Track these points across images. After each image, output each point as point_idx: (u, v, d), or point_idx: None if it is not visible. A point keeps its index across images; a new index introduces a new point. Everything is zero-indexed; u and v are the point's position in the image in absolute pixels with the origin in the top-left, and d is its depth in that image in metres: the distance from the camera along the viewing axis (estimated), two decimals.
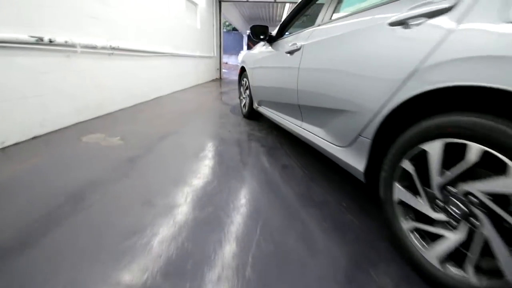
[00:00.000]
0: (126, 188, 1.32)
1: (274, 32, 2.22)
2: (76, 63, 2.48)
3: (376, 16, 1.02)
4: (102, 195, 1.23)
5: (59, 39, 2.21)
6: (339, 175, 1.55)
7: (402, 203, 0.88)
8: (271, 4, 11.57)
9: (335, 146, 1.25)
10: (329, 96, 1.25)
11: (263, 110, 2.40)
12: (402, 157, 0.86)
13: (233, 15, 13.43)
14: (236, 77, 9.65)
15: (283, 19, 2.13)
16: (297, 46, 1.58)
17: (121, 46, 3.08)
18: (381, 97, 0.91)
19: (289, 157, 1.82)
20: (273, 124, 2.65)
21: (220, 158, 1.77)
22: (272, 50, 2.13)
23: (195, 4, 6.23)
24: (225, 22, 16.88)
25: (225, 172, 1.55)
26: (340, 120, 1.19)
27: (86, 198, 1.20)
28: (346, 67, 1.11)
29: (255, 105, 2.62)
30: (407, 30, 0.85)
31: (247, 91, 2.86)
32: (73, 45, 2.37)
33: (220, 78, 8.65)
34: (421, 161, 0.80)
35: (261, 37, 2.18)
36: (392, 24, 0.90)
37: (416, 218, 0.86)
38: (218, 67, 8.59)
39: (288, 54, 1.71)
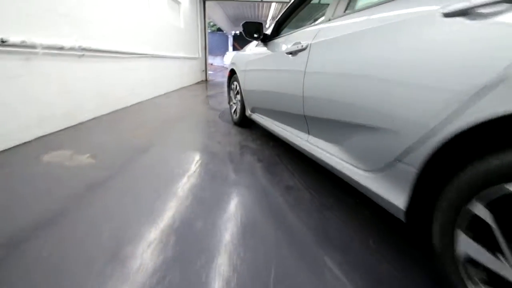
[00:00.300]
0: (83, 232, 1.01)
1: (269, 31, 1.96)
2: (39, 67, 2.12)
3: (421, 6, 0.78)
4: (41, 246, 0.92)
5: (14, 38, 1.85)
6: (359, 199, 1.30)
7: (470, 260, 0.64)
8: (257, 3, 11.35)
9: (357, 170, 1.00)
10: (351, 108, 1.00)
11: (258, 118, 2.14)
12: (472, 198, 0.62)
13: (218, 15, 13.11)
14: (222, 79, 9.35)
15: (279, 16, 1.88)
16: (301, 46, 1.32)
17: (94, 46, 2.72)
18: (438, 114, 0.67)
19: (292, 175, 1.57)
20: (268, 133, 2.39)
21: (210, 181, 1.49)
22: (268, 50, 1.87)
23: (178, 3, 5.89)
24: (209, 22, 16.52)
25: (216, 202, 1.27)
26: (366, 138, 0.95)
27: (17, 252, 0.89)
28: (378, 71, 0.86)
29: (248, 112, 2.35)
30: (477, 23, 0.61)
31: (238, 96, 2.59)
32: (32, 46, 2.02)
33: (206, 80, 8.32)
34: (504, 206, 0.56)
35: (255, 35, 1.91)
36: (450, 14, 0.66)
37: (492, 283, 0.62)
38: (204, 68, 8.26)
39: (290, 55, 1.46)
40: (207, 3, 7.93)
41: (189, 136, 2.35)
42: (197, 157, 1.83)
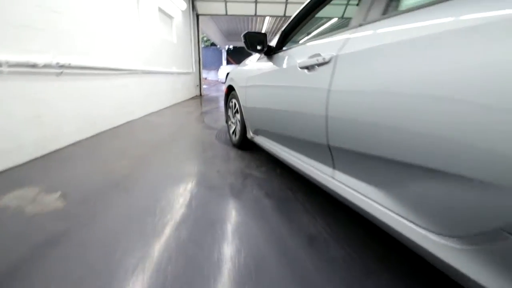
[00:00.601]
0: None
1: (273, 42, 1.70)
2: (5, 88, 1.81)
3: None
4: None
5: None
6: (410, 254, 0.99)
7: None
8: (250, 18, 11.36)
9: (424, 232, 0.70)
10: (409, 143, 0.71)
11: (262, 141, 1.84)
12: None
13: (211, 30, 13.09)
14: (217, 94, 9.12)
15: (284, 26, 1.62)
16: (323, 59, 1.04)
17: (75, 63, 2.43)
18: None
19: (313, 219, 1.25)
20: (272, 157, 2.09)
21: (208, 233, 1.16)
22: (273, 65, 1.60)
23: (171, 17, 5.70)
24: (203, 37, 16.55)
25: (217, 268, 0.95)
26: (441, 190, 0.65)
27: None
28: (457, 90, 0.58)
29: (250, 134, 2.06)
30: None
31: (237, 115, 2.30)
32: None
33: (201, 95, 8.07)
34: None
35: (258, 48, 1.64)
36: None
37: None
38: (198, 83, 8.03)
39: (305, 70, 1.18)
40: (200, 17, 7.81)
41: (182, 164, 2.03)
42: (191, 195, 1.50)
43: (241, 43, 21.94)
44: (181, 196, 1.47)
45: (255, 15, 7.66)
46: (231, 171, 1.86)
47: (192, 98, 7.27)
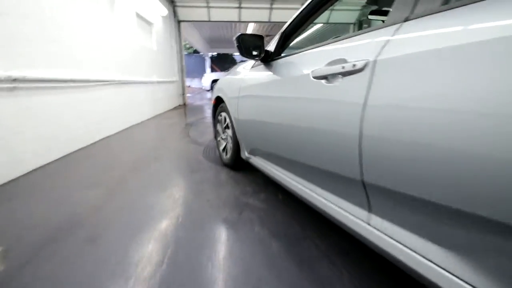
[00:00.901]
0: None
1: (270, 47, 1.43)
2: None
3: None
4: None
5: None
6: None
7: None
8: (233, 24, 11.17)
9: None
10: (490, 190, 0.45)
11: (262, 165, 1.54)
12: None
13: (193, 37, 12.78)
14: (201, 102, 8.73)
15: (283, 28, 1.36)
16: (352, 66, 0.78)
17: (34, 76, 2.06)
18: None
19: (330, 263, 0.97)
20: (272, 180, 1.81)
21: None
22: (273, 74, 1.32)
23: (150, 24, 5.35)
24: (185, 44, 16.22)
25: None
26: None
27: None
28: None
29: (245, 154, 1.76)
30: None
31: (228, 131, 2.01)
32: None
33: (185, 104, 7.69)
34: None
35: (254, 53, 1.37)
36: None
37: None
38: (182, 92, 7.66)
39: (323, 81, 0.91)
40: (182, 24, 7.49)
41: (165, 193, 1.70)
42: (176, 243, 1.18)
43: (225, 50, 21.60)
44: (162, 245, 1.15)
45: (239, 21, 7.45)
46: (224, 201, 1.55)
47: (176, 107, 6.89)
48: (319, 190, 1.03)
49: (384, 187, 0.72)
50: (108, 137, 3.21)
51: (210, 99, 9.54)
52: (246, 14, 7.26)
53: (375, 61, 0.72)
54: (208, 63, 21.77)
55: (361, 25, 7.62)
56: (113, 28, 3.53)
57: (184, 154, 2.57)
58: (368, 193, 0.79)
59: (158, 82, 5.56)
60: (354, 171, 0.80)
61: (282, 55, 1.37)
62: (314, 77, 0.95)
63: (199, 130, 3.81)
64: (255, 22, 7.98)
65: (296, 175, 1.19)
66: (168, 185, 1.79)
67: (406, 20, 0.70)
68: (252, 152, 1.67)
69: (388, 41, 0.71)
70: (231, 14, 7.24)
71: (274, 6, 7.03)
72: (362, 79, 0.75)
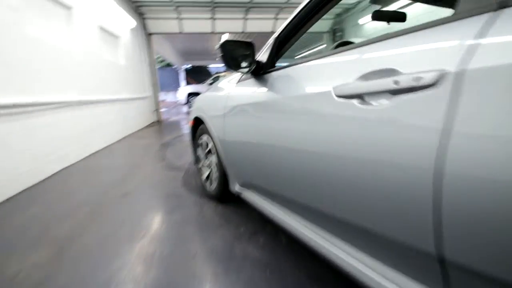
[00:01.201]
0: None
1: (261, 57, 1.15)
2: None
3: None
4: None
5: None
6: None
7: None
8: (207, 36, 10.93)
9: None
10: None
11: (260, 203, 1.22)
12: None
13: (166, 50, 12.36)
14: (178, 117, 8.20)
15: (277, 33, 1.08)
16: (415, 79, 0.50)
17: None
18: None
19: None
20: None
21: None
22: (268, 90, 1.03)
23: (116, 37, 4.92)
24: (158, 57, 15.74)
25: None
26: None
27: None
28: None
29: (235, 187, 1.44)
30: None
31: (212, 158, 1.68)
32: None
33: (159, 121, 7.21)
34: None
35: (243, 65, 1.08)
36: None
37: None
38: (156, 108, 7.18)
39: (355, 101, 0.63)
40: (153, 37, 7.09)
41: (132, 251, 1.32)
42: None
43: (200, 62, 21.29)
44: None
45: (212, 32, 7.21)
46: (215, 252, 1.21)
47: (150, 125, 6.40)
48: (356, 253, 0.73)
49: (480, 270, 0.44)
50: (66, 168, 2.73)
51: (187, 113, 9.10)
52: (220, 25, 7.05)
53: (458, 72, 0.45)
54: (183, 76, 21.26)
55: (335, 34, 7.69)
56: (71, 45, 3.09)
57: (159, 185, 2.18)
58: (448, 275, 0.51)
59: (129, 99, 5.10)
60: (424, 239, 0.51)
61: (278, 65, 1.09)
62: (339, 96, 0.67)
63: (176, 150, 3.42)
64: (229, 32, 7.77)
65: (315, 224, 0.89)
66: (138, 235, 1.41)
67: (503, 6, 0.44)
68: (245, 185, 1.35)
69: (477, 44, 0.44)
70: (204, 26, 6.99)
71: (248, 16, 6.88)
72: (435, 98, 0.47)
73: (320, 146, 0.75)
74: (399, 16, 1.33)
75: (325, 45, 7.85)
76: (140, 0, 5.80)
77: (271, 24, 6.99)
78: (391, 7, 4.69)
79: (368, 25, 6.42)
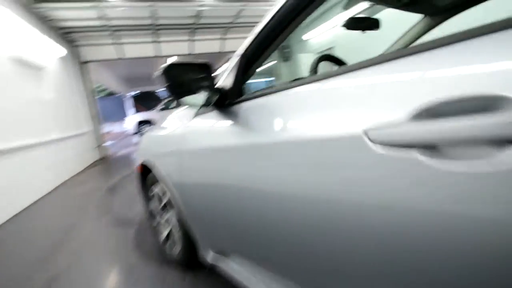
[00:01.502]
0: None
1: (223, 81, 0.85)
2: None
3: None
4: None
5: None
6: None
7: None
8: (152, 59, 10.39)
9: None
10: None
11: (245, 277, 0.88)
12: None
13: (106, 78, 11.38)
14: (127, 150, 7.27)
15: (242, 48, 0.80)
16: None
17: None
18: None
19: None
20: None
21: None
22: (242, 129, 0.72)
23: (39, 68, 4.18)
24: (99, 86, 14.48)
25: None
26: None
27: None
28: None
29: (208, 254, 1.06)
30: None
31: (169, 214, 1.28)
32: None
33: (104, 157, 6.33)
34: None
35: (200, 95, 0.76)
36: None
37: None
38: (98, 144, 6.32)
39: (418, 153, 0.35)
40: (89, 65, 6.34)
41: None
42: None
43: (147, 87, 20.29)
44: None
45: (156, 56, 6.77)
46: None
47: (92, 164, 5.54)
48: None
49: None
50: None
51: (137, 143, 8.27)
52: (165, 48, 6.67)
53: None
54: (130, 103, 19.87)
55: (283, 49, 7.83)
56: None
57: (103, 254, 1.67)
58: None
59: (61, 139, 4.32)
60: None
61: (253, 93, 0.79)
62: (381, 144, 0.39)
63: (127, 196, 2.86)
64: (176, 55, 7.41)
65: None
66: None
67: None
68: (222, 252, 0.99)
69: None
70: (147, 50, 6.53)
71: (195, 38, 6.64)
72: None
73: (347, 217, 0.45)
74: (374, 24, 1.16)
75: (275, 61, 7.92)
76: (69, 26, 5.15)
77: (218, 44, 6.83)
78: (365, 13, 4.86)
79: (312, 40, 6.65)
